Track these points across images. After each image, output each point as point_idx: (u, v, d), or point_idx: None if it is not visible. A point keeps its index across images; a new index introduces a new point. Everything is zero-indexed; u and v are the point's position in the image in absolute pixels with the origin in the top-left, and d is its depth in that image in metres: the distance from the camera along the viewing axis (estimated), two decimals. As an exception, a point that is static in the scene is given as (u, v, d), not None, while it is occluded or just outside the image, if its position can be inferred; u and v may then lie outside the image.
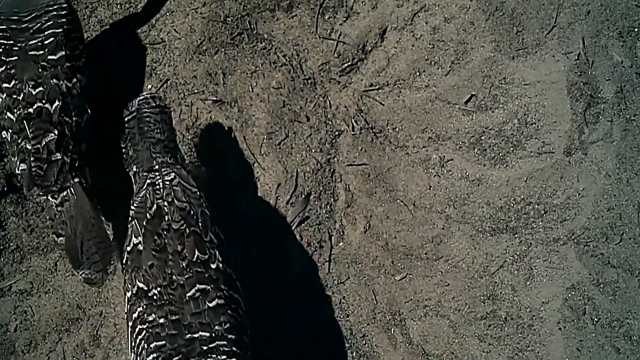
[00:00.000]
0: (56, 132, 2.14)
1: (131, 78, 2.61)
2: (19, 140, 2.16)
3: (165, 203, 2.00)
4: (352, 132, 2.60)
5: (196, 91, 2.60)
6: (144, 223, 1.98)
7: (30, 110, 2.15)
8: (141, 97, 2.20)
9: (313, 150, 2.58)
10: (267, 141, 2.58)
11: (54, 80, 2.18)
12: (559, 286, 2.48)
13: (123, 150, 2.24)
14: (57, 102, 2.16)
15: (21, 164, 2.17)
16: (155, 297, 1.90)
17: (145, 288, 1.92)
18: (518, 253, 2.50)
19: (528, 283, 2.49)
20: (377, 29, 2.68)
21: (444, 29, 2.65)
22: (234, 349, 1.87)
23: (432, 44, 2.64)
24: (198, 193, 2.07)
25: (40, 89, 2.16)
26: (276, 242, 2.51)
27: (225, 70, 2.62)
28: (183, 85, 2.60)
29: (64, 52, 2.21)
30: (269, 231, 2.51)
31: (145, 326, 1.89)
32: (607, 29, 2.64)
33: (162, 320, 1.87)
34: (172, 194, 2.02)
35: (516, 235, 2.51)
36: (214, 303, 1.90)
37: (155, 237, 1.95)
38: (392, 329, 2.47)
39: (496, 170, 2.56)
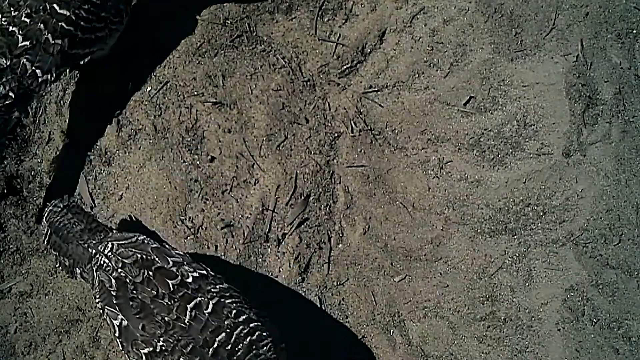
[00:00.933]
0: None
1: (131, 80, 2.62)
2: None
3: (119, 270, 2.02)
4: (352, 134, 2.60)
5: (195, 93, 2.61)
6: (114, 301, 2.00)
7: None
8: (45, 213, 2.25)
9: (312, 152, 2.58)
10: (266, 143, 2.58)
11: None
12: (558, 287, 2.48)
13: (59, 266, 2.28)
14: None
15: None
16: (163, 347, 1.93)
17: (152, 348, 1.94)
18: (517, 254, 2.51)
19: (527, 284, 2.49)
20: (376, 31, 2.68)
21: (443, 31, 2.65)
22: (257, 323, 1.94)
23: (431, 46, 2.65)
24: (137, 238, 2.09)
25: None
26: (275, 243, 2.51)
27: (224, 72, 2.63)
28: (182, 87, 2.61)
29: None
30: (268, 232, 2.52)
31: None
32: (605, 31, 2.64)
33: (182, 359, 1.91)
34: (119, 257, 2.03)
35: (515, 237, 2.52)
36: (210, 307, 1.93)
37: (130, 302, 1.97)
38: (392, 330, 2.47)
39: (495, 172, 2.56)
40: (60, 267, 2.26)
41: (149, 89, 2.61)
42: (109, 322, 2.01)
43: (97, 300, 2.05)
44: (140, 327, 1.94)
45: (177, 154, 2.56)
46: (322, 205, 2.56)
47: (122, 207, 2.54)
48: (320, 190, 2.56)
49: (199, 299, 1.94)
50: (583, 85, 2.59)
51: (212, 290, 1.97)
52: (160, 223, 2.51)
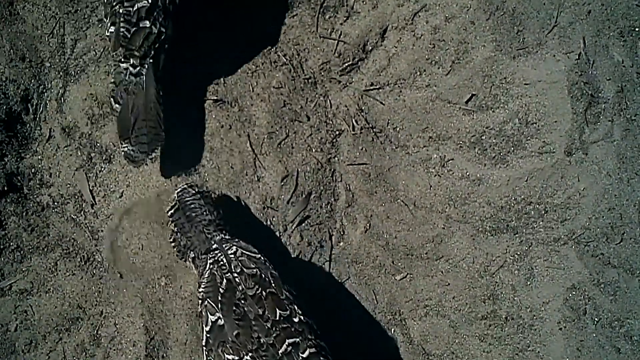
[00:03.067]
0: (150, 0, 2.25)
1: (131, 77, 2.62)
2: (114, 4, 2.27)
3: (235, 275, 2.05)
4: (353, 132, 2.60)
5: (197, 91, 2.60)
6: (219, 298, 2.03)
7: None
8: (179, 189, 2.29)
9: (313, 150, 2.58)
10: (267, 141, 2.58)
11: None
12: (560, 286, 2.48)
13: (172, 244, 2.30)
14: None
15: (111, 27, 2.29)
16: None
17: (237, 358, 1.96)
18: (518, 253, 2.50)
19: (528, 283, 2.49)
20: (377, 29, 2.67)
21: (445, 29, 2.64)
22: None
23: (432, 44, 2.64)
24: (262, 258, 2.13)
25: None
26: (276, 242, 2.51)
27: (225, 69, 2.62)
28: (183, 84, 2.60)
29: None
30: (269, 230, 2.51)
31: None
32: (607, 29, 2.63)
33: None
34: (240, 264, 2.07)
35: (517, 235, 2.51)
36: (306, 353, 1.96)
37: (234, 308, 2.00)
38: (393, 329, 2.47)
39: (497, 170, 2.56)
40: (173, 244, 2.29)
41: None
42: (204, 314, 2.04)
43: (201, 289, 2.08)
44: (234, 334, 1.97)
45: (178, 152, 2.55)
46: (323, 203, 2.55)
47: (123, 205, 2.54)
48: (322, 188, 2.56)
49: (299, 339, 1.97)
50: (585, 83, 2.58)
51: (312, 341, 2.00)
52: (161, 220, 2.51)
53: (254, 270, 2.06)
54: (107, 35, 2.32)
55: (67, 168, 2.57)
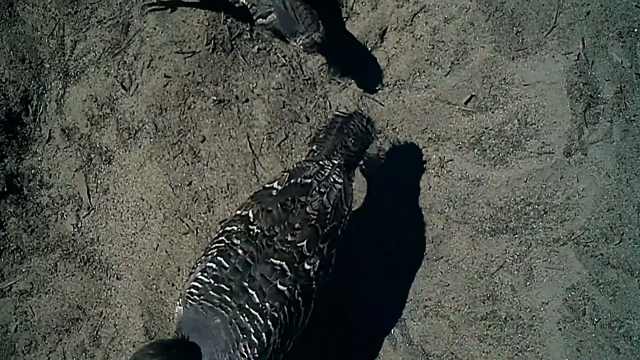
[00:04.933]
0: None
1: (132, 78, 2.62)
2: None
3: (318, 188, 2.09)
4: (352, 133, 2.60)
5: (196, 91, 2.60)
6: (291, 180, 2.09)
7: None
8: (358, 111, 2.36)
9: (313, 151, 2.58)
10: (267, 141, 2.58)
11: None
12: (559, 286, 2.48)
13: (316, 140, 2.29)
14: None
15: None
16: (251, 232, 2.00)
17: (252, 219, 2.02)
18: (518, 253, 2.51)
19: (528, 283, 2.49)
20: (377, 30, 2.68)
21: (444, 30, 2.65)
22: (262, 334, 1.93)
23: (432, 45, 2.64)
24: (345, 212, 2.13)
25: None
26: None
27: (225, 70, 2.62)
28: (183, 85, 2.60)
29: None
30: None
31: (225, 243, 2.00)
32: (607, 30, 2.64)
33: (240, 251, 1.97)
34: (328, 190, 2.10)
35: (516, 236, 2.52)
36: (282, 288, 1.96)
37: (289, 199, 2.05)
38: (392, 329, 2.47)
39: (496, 171, 2.56)
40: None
41: (149, 87, 2.60)
42: (278, 176, 2.13)
43: (294, 165, 2.16)
44: (269, 208, 2.04)
45: (178, 153, 2.56)
46: (323, 204, 2.55)
47: (123, 206, 2.54)
48: (321, 189, 2.56)
49: (290, 274, 1.97)
50: (584, 84, 2.59)
51: (297, 292, 1.98)
52: (160, 221, 2.51)
53: (329, 207, 2.07)
54: None
55: (66, 169, 2.57)
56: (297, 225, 2.01)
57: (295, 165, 2.15)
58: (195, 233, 2.50)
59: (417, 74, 2.64)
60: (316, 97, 2.64)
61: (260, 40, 2.66)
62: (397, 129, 2.61)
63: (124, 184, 2.56)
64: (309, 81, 2.64)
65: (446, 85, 2.62)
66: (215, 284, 1.96)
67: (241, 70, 2.63)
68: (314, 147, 2.24)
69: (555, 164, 2.55)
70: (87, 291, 2.48)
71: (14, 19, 2.62)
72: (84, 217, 2.54)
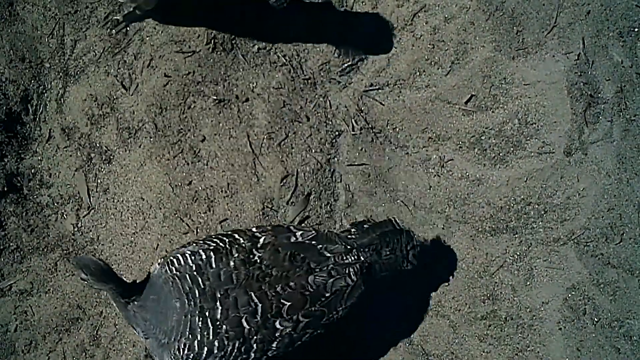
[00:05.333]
0: None
1: (132, 78, 2.61)
2: None
3: (330, 269, 2.04)
4: (352, 132, 2.60)
5: (196, 91, 2.60)
6: (313, 242, 2.06)
7: None
8: (415, 235, 2.28)
9: (313, 150, 2.58)
10: (267, 141, 2.58)
11: None
12: (559, 286, 2.48)
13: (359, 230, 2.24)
14: None
15: None
16: (252, 256, 1.99)
17: (259, 246, 2.01)
18: (518, 253, 2.51)
19: (528, 283, 2.49)
20: (377, 29, 2.68)
21: (444, 29, 2.65)
22: (204, 348, 1.94)
23: (432, 44, 2.64)
24: (339, 309, 2.08)
25: None
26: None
27: (225, 70, 2.62)
28: (183, 84, 2.60)
29: None
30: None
31: (226, 247, 2.00)
32: (607, 29, 2.64)
33: (232, 264, 1.96)
34: (337, 277, 2.05)
35: (516, 236, 2.52)
36: (244, 325, 1.95)
37: (302, 255, 2.02)
38: (392, 330, 2.47)
39: (496, 170, 2.56)
40: None
41: (149, 87, 2.60)
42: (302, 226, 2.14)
43: (318, 235, 2.11)
44: (272, 258, 2.01)
45: (178, 152, 2.55)
46: (323, 204, 2.55)
47: (123, 206, 2.54)
48: (321, 188, 2.56)
49: (247, 327, 1.97)
50: (584, 83, 2.59)
51: (239, 342, 1.98)
52: (160, 221, 2.51)
53: (327, 295, 2.03)
54: None
55: (66, 168, 2.57)
56: (292, 284, 1.99)
57: (327, 230, 2.11)
58: (195, 232, 2.50)
59: (418, 73, 2.64)
60: (316, 96, 2.63)
61: (260, 40, 2.66)
62: (397, 129, 2.61)
63: (124, 183, 2.56)
64: (309, 81, 2.64)
65: (446, 84, 2.62)
66: (195, 273, 1.96)
67: (241, 70, 2.63)
68: (353, 230, 2.19)
69: (555, 164, 2.55)
70: (87, 291, 2.48)
71: (14, 18, 2.61)
72: (84, 217, 2.53)
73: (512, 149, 2.57)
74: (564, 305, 2.46)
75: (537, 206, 2.53)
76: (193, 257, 1.98)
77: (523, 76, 2.60)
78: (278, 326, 1.98)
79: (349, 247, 2.10)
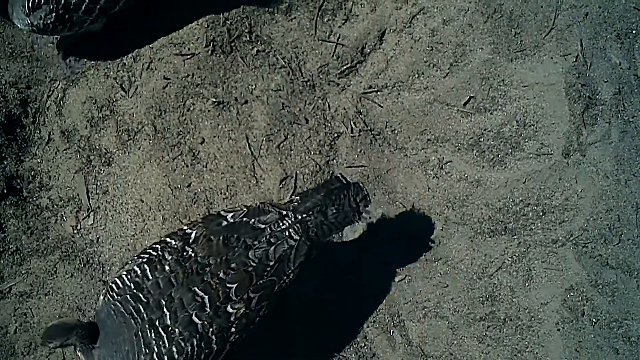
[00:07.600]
0: None
1: (131, 80, 2.62)
2: None
3: (269, 237, 2.02)
4: (351, 134, 2.60)
5: (196, 93, 2.61)
6: (244, 219, 2.04)
7: None
8: (359, 184, 2.18)
9: (312, 152, 2.58)
10: (266, 143, 2.58)
11: None
12: (558, 287, 2.48)
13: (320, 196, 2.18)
14: None
15: None
16: (185, 253, 1.98)
17: (191, 241, 2.00)
18: (517, 254, 2.51)
19: (527, 284, 2.49)
20: (375, 32, 2.68)
21: (443, 31, 2.65)
22: (164, 358, 1.93)
23: (430, 46, 2.65)
24: (289, 271, 2.05)
25: None
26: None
27: (224, 72, 2.63)
28: (183, 87, 2.61)
29: None
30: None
31: (157, 254, 1.99)
32: (605, 31, 2.64)
33: (167, 268, 1.96)
34: (277, 243, 2.03)
35: (515, 237, 2.52)
36: (196, 320, 1.93)
37: (235, 236, 2.00)
38: (392, 330, 2.47)
39: (495, 172, 2.57)
40: None
41: (149, 89, 2.61)
42: (237, 208, 2.09)
43: (263, 203, 2.11)
44: (211, 237, 2.00)
45: (177, 154, 2.56)
46: (322, 206, 2.55)
47: (122, 208, 2.54)
48: (320, 190, 2.56)
49: (207, 311, 1.95)
50: (583, 85, 2.59)
51: (207, 330, 1.96)
52: (159, 223, 2.51)
53: (271, 262, 2.00)
54: None
55: (66, 171, 2.57)
56: (233, 265, 1.97)
57: (258, 204, 2.09)
58: (194, 234, 2.50)
59: (416, 75, 2.64)
60: (315, 98, 2.64)
61: (260, 42, 2.67)
62: (396, 131, 2.62)
63: (123, 185, 2.56)
64: (308, 83, 2.65)
65: (445, 86, 2.63)
66: (135, 291, 1.95)
67: (240, 72, 2.63)
68: (295, 198, 2.15)
69: (553, 165, 2.55)
70: (86, 292, 2.48)
71: (14, 21, 2.62)
72: (83, 219, 2.54)
73: (510, 150, 2.57)
74: (563, 306, 2.47)
75: (535, 207, 2.53)
76: (129, 276, 1.98)
77: (521, 78, 2.61)
78: (230, 310, 1.96)
79: (283, 212, 2.07)
